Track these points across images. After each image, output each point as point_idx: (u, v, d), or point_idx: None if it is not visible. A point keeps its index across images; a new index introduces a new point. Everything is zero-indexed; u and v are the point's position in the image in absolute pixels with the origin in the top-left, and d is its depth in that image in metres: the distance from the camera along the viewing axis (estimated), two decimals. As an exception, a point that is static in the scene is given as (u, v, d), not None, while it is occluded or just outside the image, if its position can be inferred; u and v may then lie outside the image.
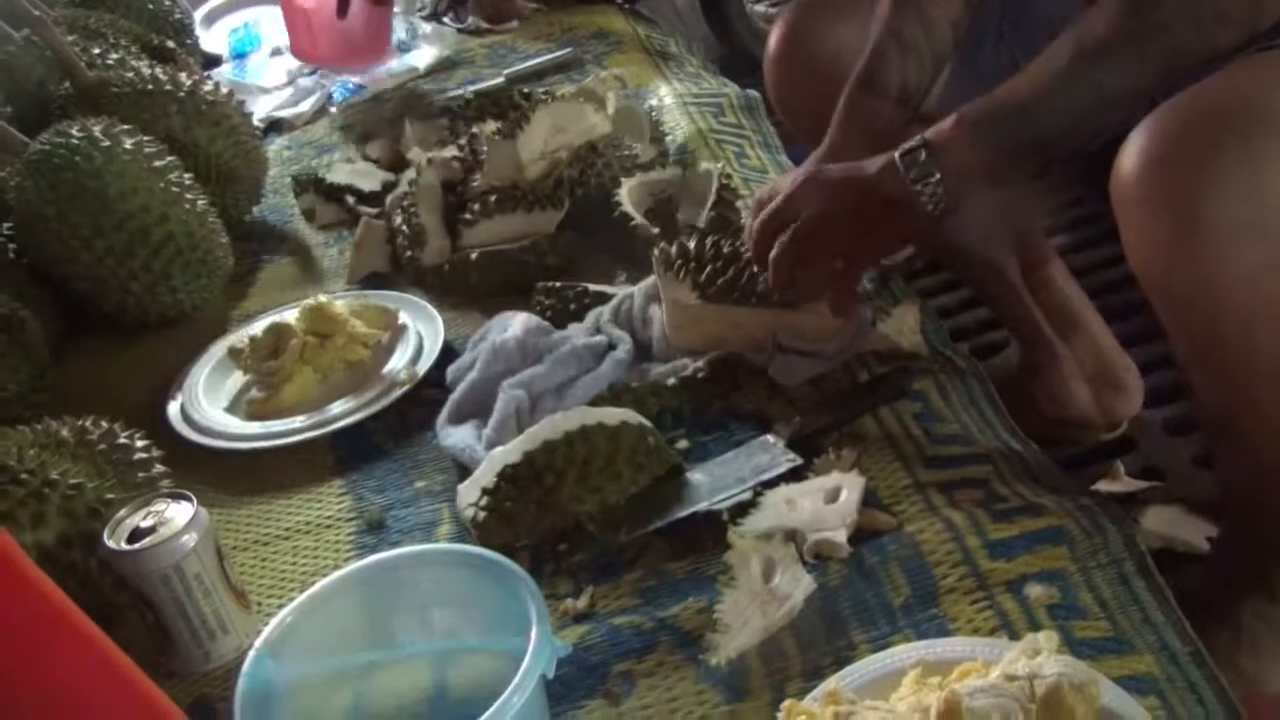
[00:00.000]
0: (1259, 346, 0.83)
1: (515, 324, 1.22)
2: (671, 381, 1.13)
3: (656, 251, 1.20)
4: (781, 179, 1.20)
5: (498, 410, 1.12)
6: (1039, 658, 0.73)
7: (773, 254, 1.03)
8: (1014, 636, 0.82)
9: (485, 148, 1.48)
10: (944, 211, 0.96)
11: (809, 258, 1.03)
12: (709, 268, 1.15)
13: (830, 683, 0.78)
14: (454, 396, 1.18)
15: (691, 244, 1.18)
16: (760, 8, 2.61)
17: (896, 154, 0.97)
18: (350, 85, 2.12)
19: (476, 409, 1.17)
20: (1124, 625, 0.83)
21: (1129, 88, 0.88)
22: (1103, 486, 1.26)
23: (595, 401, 1.10)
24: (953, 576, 0.89)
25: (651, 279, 1.22)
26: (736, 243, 1.16)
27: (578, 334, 1.21)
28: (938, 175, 0.94)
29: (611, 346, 1.19)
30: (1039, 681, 0.70)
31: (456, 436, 1.13)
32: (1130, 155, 0.82)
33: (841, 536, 0.93)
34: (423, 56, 2.15)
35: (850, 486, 0.97)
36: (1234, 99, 0.80)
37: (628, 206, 1.43)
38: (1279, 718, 0.98)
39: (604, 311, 1.23)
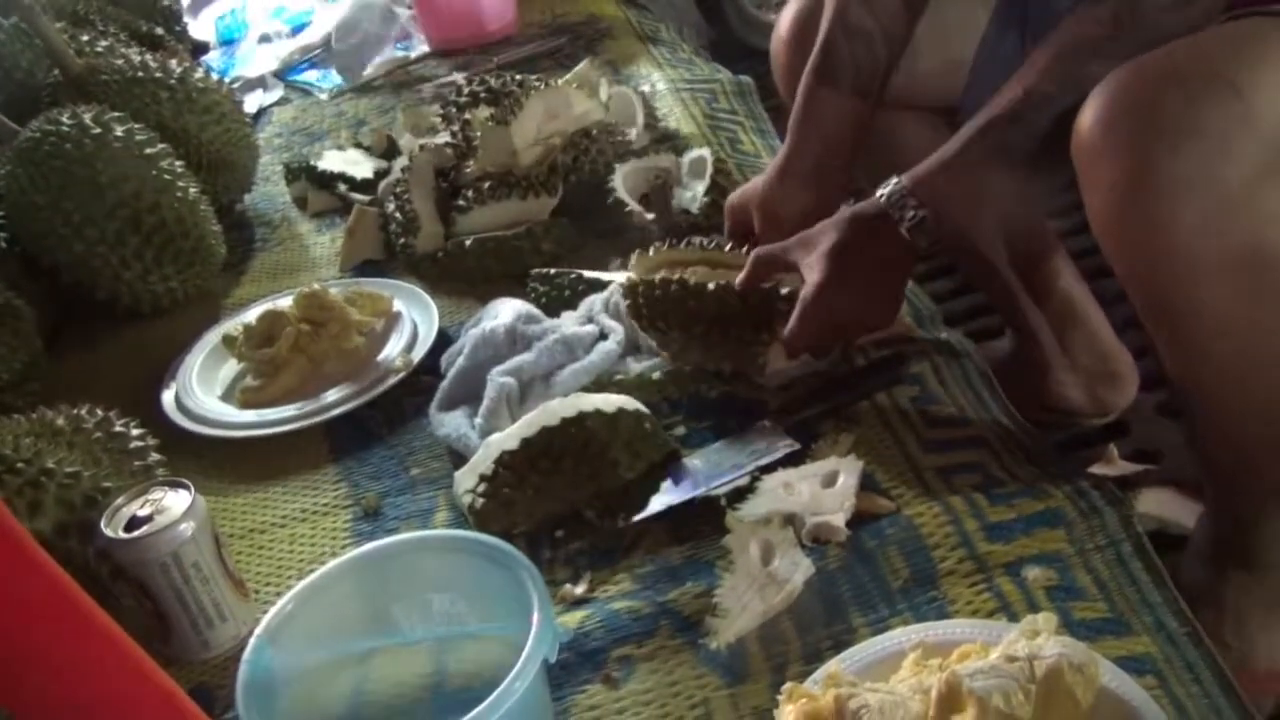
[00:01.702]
0: (1207, 300, 0.84)
1: (505, 311, 1.22)
2: (657, 375, 1.14)
3: (623, 286, 1.17)
4: (753, 183, 1.21)
5: (487, 398, 1.12)
6: (1038, 639, 0.73)
7: (789, 333, 1.03)
8: (1013, 618, 0.82)
9: (478, 134, 1.48)
10: (935, 242, 0.98)
11: (818, 333, 1.04)
12: (674, 333, 1.12)
13: (830, 665, 0.78)
14: (443, 384, 1.18)
15: (655, 289, 1.11)
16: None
17: (881, 196, 0.98)
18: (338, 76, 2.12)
19: (466, 396, 1.16)
20: (1122, 606, 0.83)
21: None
22: (1097, 470, 1.27)
23: (582, 390, 1.10)
24: (951, 559, 0.89)
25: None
26: (697, 288, 1.10)
27: (568, 322, 1.20)
28: (922, 213, 0.96)
29: (603, 336, 1.18)
30: (1039, 662, 0.70)
31: (450, 425, 1.13)
32: (1088, 114, 0.83)
33: (840, 520, 0.93)
34: (414, 45, 2.15)
35: (848, 470, 0.97)
36: (1186, 61, 0.82)
37: (622, 192, 1.43)
38: (1268, 691, 0.99)
39: (596, 301, 1.23)
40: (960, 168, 0.95)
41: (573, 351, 1.16)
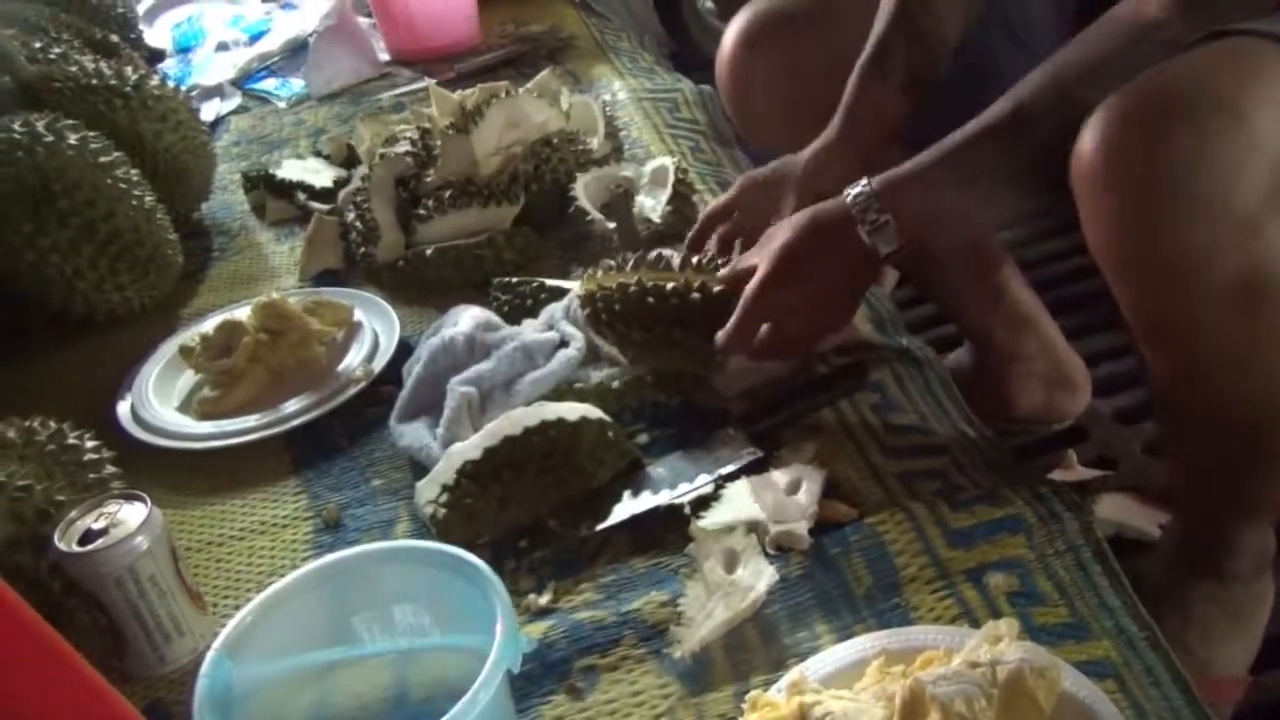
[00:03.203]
0: (1209, 325, 0.84)
1: (464, 319, 1.21)
2: (616, 385, 1.13)
3: (579, 295, 1.15)
4: (784, 162, 1.17)
5: (448, 407, 1.10)
6: (1000, 644, 0.74)
7: (725, 331, 1.01)
8: (975, 624, 0.83)
9: (439, 143, 1.47)
10: (896, 250, 0.96)
11: (757, 333, 1.01)
12: (634, 334, 1.10)
13: (794, 673, 0.78)
14: (403, 394, 1.17)
15: (613, 293, 1.10)
16: (711, 3, 2.61)
17: (847, 196, 0.97)
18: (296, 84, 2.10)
19: (426, 406, 1.15)
20: (1082, 611, 0.84)
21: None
22: (1057, 476, 1.28)
23: (542, 399, 1.10)
24: (914, 566, 0.90)
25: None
26: (657, 286, 1.08)
27: (528, 330, 1.20)
28: (886, 218, 0.95)
29: (564, 343, 1.18)
30: (1001, 667, 0.71)
31: (411, 435, 1.12)
32: (1087, 141, 0.83)
33: (803, 528, 0.93)
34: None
35: (810, 478, 0.97)
36: (1188, 82, 0.82)
37: (583, 201, 1.43)
38: (1228, 699, 1.00)
39: (556, 309, 1.22)
40: (934, 180, 0.94)
41: (533, 359, 1.15)
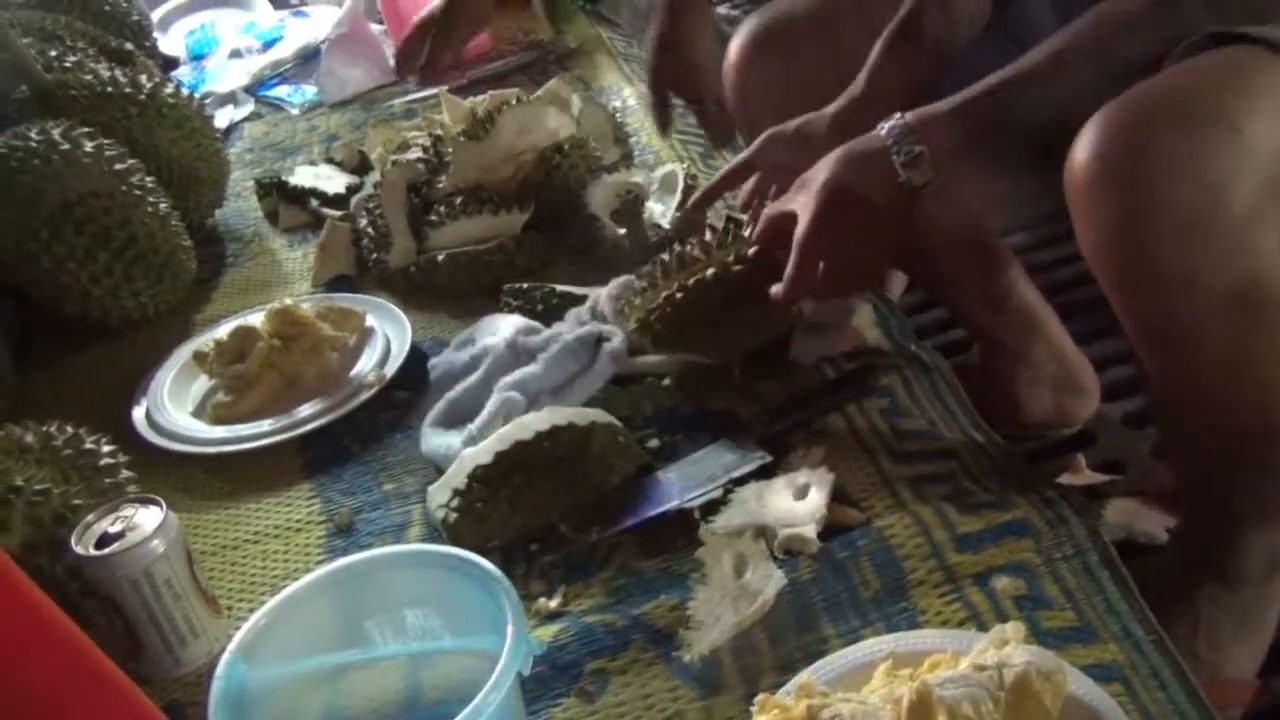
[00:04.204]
0: (1206, 332, 0.85)
1: (503, 326, 1.21)
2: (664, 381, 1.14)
3: (632, 334, 1.15)
4: (757, 143, 1.15)
5: (487, 409, 1.10)
6: (1007, 648, 0.74)
7: (786, 278, 1.01)
8: (982, 628, 0.83)
9: (450, 150, 1.48)
10: (925, 186, 0.96)
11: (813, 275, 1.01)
12: (706, 334, 1.11)
13: (803, 676, 0.78)
14: (449, 396, 1.17)
15: (664, 312, 1.10)
16: (722, 10, 2.61)
17: (882, 129, 0.97)
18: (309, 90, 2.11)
19: (468, 414, 1.14)
20: (1089, 615, 0.84)
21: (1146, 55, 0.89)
22: (1065, 480, 1.28)
23: (591, 403, 1.10)
24: (921, 570, 0.90)
25: (622, 279, 1.21)
26: (684, 283, 1.09)
27: (567, 330, 1.19)
28: (920, 149, 0.94)
29: (602, 339, 1.16)
30: (1007, 671, 0.71)
31: (439, 441, 1.12)
32: (1082, 146, 0.84)
33: (811, 532, 0.94)
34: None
35: (819, 483, 0.98)
36: (1180, 91, 0.82)
37: (594, 207, 1.43)
38: (1236, 702, 1.00)
39: (582, 312, 1.23)
40: (970, 114, 0.94)
41: (578, 358, 1.14)
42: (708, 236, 1.11)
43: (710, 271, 1.07)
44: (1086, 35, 0.91)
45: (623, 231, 1.40)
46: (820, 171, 1.00)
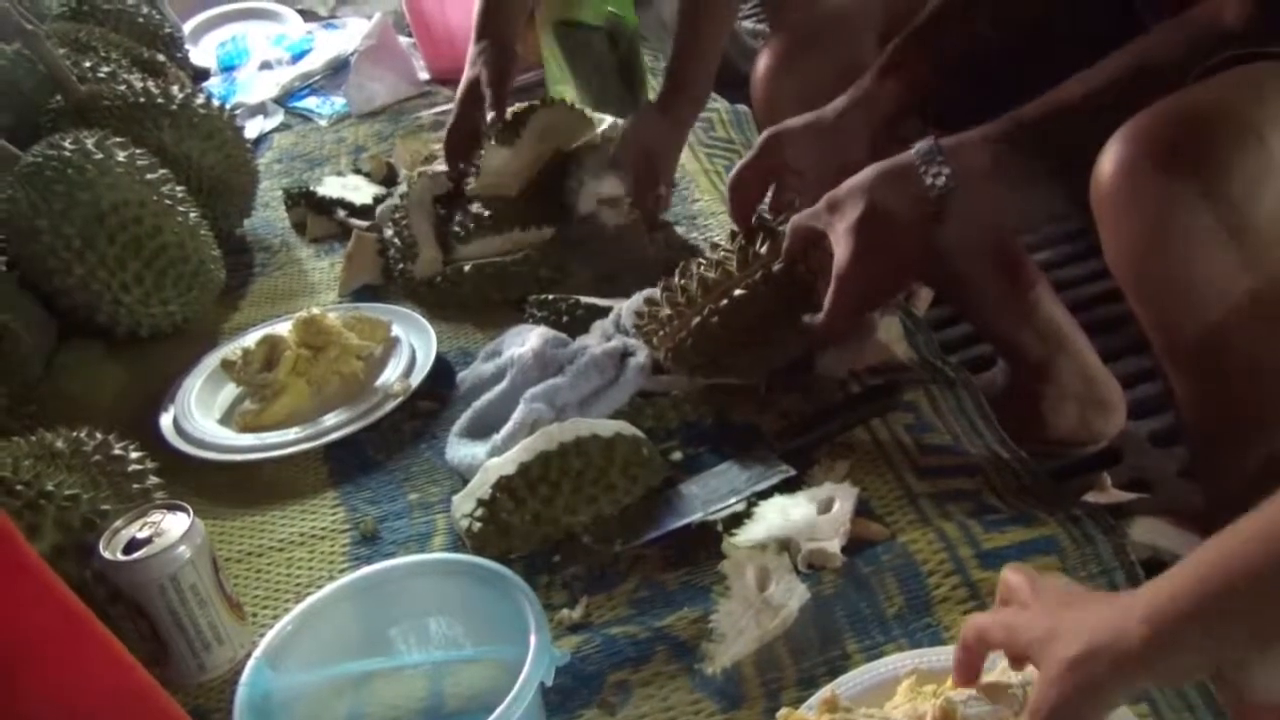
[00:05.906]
0: (1232, 348, 0.84)
1: (531, 337, 1.22)
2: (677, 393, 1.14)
3: (667, 361, 1.15)
4: (758, 145, 1.15)
5: (514, 419, 1.10)
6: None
7: (827, 315, 1.02)
8: (1006, 645, 0.82)
9: (480, 154, 1.48)
10: (948, 201, 0.96)
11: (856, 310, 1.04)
12: (741, 357, 1.11)
13: (825, 691, 0.78)
14: (475, 406, 1.17)
15: (690, 337, 1.10)
16: (748, 24, 2.62)
17: (912, 149, 0.97)
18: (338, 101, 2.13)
19: (495, 425, 1.14)
20: (1114, 633, 0.84)
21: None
22: (1091, 498, 1.27)
23: (616, 415, 1.10)
24: (945, 586, 0.90)
25: (645, 293, 1.21)
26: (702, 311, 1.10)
27: (594, 343, 1.20)
28: (945, 171, 0.95)
29: (627, 354, 1.17)
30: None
31: (465, 451, 1.13)
32: (1108, 160, 0.84)
33: (835, 546, 0.94)
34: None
35: (843, 497, 0.98)
36: (1205, 105, 0.82)
37: (618, 219, 1.44)
38: (1263, 725, 0.99)
39: (607, 324, 1.23)
40: (1000, 141, 0.95)
41: (604, 372, 1.15)
42: (718, 254, 1.11)
43: (738, 292, 1.07)
44: (1125, 80, 0.91)
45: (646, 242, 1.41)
46: (853, 202, 1.00)
